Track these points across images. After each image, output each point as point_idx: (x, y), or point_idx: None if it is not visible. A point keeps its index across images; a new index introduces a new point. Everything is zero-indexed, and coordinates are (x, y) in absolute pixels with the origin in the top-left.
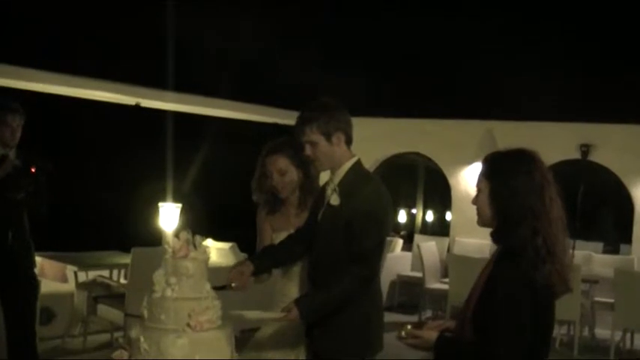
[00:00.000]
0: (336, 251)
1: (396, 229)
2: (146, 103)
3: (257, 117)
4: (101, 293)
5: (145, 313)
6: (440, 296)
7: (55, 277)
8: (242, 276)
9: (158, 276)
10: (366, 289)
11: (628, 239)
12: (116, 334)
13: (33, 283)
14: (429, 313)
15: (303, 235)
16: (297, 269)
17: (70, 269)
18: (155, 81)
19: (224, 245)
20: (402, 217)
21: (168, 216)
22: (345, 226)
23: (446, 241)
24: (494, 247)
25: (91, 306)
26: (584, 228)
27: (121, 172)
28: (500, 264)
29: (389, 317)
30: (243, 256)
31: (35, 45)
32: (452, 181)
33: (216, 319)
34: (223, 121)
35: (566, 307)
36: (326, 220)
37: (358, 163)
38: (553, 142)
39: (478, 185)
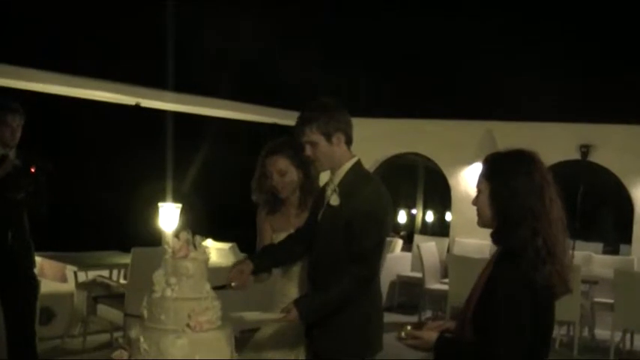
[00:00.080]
0: (336, 251)
1: (396, 229)
2: (146, 103)
3: (257, 117)
4: (101, 293)
5: (145, 313)
6: (440, 297)
7: (54, 277)
8: (242, 275)
9: (158, 276)
10: (365, 290)
11: (628, 240)
12: (116, 334)
13: (33, 283)
14: (428, 314)
15: (303, 235)
16: (296, 269)
17: (69, 269)
18: (155, 81)
19: (224, 245)
20: (401, 217)
21: (168, 216)
22: (345, 227)
23: (446, 241)
24: (494, 248)
25: (90, 306)
26: (584, 228)
27: (121, 172)
28: (501, 265)
29: (389, 317)
30: (242, 256)
31: (35, 45)
32: (452, 182)
33: (216, 320)
34: (223, 121)
35: (566, 308)
36: (326, 220)
37: (358, 164)
38: (553, 142)
39: (478, 186)
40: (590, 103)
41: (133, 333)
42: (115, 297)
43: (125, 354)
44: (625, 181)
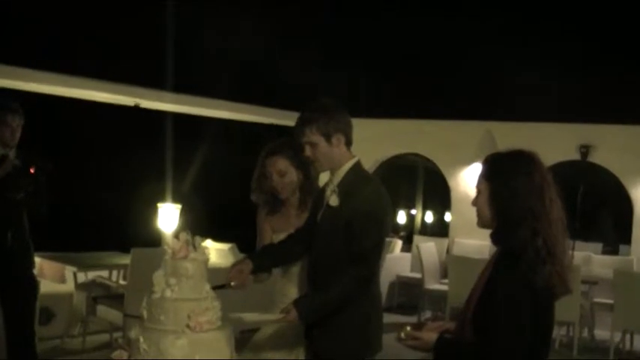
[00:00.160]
0: (336, 252)
1: (396, 230)
2: (145, 103)
3: (256, 118)
4: (100, 294)
5: (145, 313)
6: (439, 297)
7: (54, 277)
8: (241, 274)
9: (158, 277)
10: (365, 290)
11: (627, 240)
12: (115, 335)
13: (32, 283)
14: (428, 314)
15: (303, 235)
16: (296, 270)
17: (69, 270)
18: (154, 82)
19: (223, 246)
20: (401, 217)
21: (168, 217)
22: (345, 227)
23: (445, 242)
24: (494, 248)
25: (90, 306)
26: (583, 229)
27: (120, 172)
28: (500, 265)
29: (388, 318)
30: (242, 256)
31: (35, 45)
32: (451, 182)
33: (215, 320)
34: (222, 122)
35: (565, 308)
36: (325, 220)
37: (358, 164)
38: (552, 142)
39: (478, 186)
40: (590, 103)
41: (133, 333)
42: (115, 297)
43: (125, 354)
44: (625, 182)
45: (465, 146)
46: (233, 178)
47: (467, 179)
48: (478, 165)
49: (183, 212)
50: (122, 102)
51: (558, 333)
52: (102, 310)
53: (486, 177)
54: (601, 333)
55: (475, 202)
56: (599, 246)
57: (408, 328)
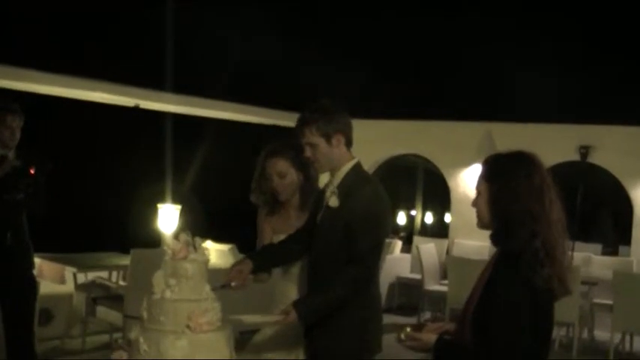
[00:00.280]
0: (335, 252)
1: (396, 230)
2: (145, 104)
3: (256, 118)
4: (100, 294)
5: (145, 314)
6: (439, 298)
7: (53, 278)
8: (241, 274)
9: (158, 277)
10: (364, 290)
11: (627, 241)
12: (115, 336)
13: (32, 284)
14: (428, 315)
15: (303, 236)
16: (296, 270)
17: (68, 270)
18: (154, 82)
19: (223, 247)
20: (401, 218)
21: (168, 217)
22: (344, 228)
23: (445, 242)
24: (494, 249)
25: (89, 307)
26: (583, 230)
27: (120, 173)
28: (500, 266)
29: (388, 319)
30: (242, 257)
31: (35, 46)
32: (451, 183)
33: (215, 321)
34: (222, 123)
35: (565, 309)
36: (325, 221)
37: (358, 165)
38: (552, 143)
39: (477, 187)
40: (590, 104)
41: (133, 334)
42: (114, 298)
43: (125, 355)
44: (624, 183)
45: (465, 147)
46: (233, 178)
47: (467, 180)
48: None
49: (182, 213)
50: (122, 103)
51: (558, 334)
52: (101, 310)
53: (486, 178)
54: (601, 334)
55: (475, 203)
56: (599, 247)
57: (408, 329)
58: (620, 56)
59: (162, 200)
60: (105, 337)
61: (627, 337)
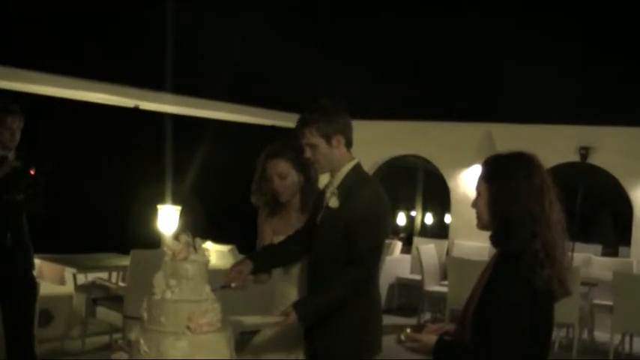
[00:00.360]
0: (335, 253)
1: (395, 231)
2: (145, 105)
3: (256, 119)
4: (100, 295)
5: (145, 315)
6: (439, 299)
7: (53, 279)
8: (241, 275)
9: (158, 278)
10: (364, 291)
11: (627, 242)
12: (115, 336)
13: (32, 284)
14: (428, 316)
15: (303, 236)
16: (296, 271)
17: (68, 271)
18: (154, 83)
19: (223, 248)
20: (401, 219)
21: (167, 218)
22: (344, 228)
23: (445, 243)
24: (494, 250)
25: (89, 308)
26: (583, 230)
27: (120, 174)
28: (500, 267)
29: (388, 320)
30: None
31: (35, 47)
32: (451, 184)
33: (215, 322)
34: (222, 124)
35: (565, 310)
36: (325, 222)
37: (358, 166)
38: (552, 144)
39: (477, 188)
40: (590, 105)
41: (133, 335)
42: (114, 299)
43: (125, 355)
44: (624, 183)
45: (465, 148)
46: (233, 179)
47: (466, 181)
48: (478, 167)
49: (182, 214)
50: (122, 103)
51: (558, 334)
52: (101, 311)
53: (486, 179)
54: (601, 335)
55: (475, 204)
56: (599, 248)
57: (408, 330)
58: (620, 56)
59: (162, 201)
60: (105, 338)
61: (627, 338)
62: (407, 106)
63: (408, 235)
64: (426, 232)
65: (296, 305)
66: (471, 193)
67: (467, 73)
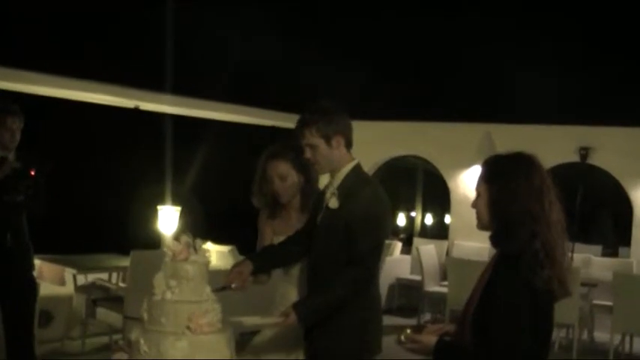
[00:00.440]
0: (335, 254)
1: (395, 232)
2: (145, 105)
3: (256, 120)
4: (100, 296)
5: (145, 315)
6: (439, 299)
7: (53, 279)
8: (241, 276)
9: (158, 279)
10: (364, 291)
11: (627, 242)
12: (115, 337)
13: (32, 285)
14: (428, 317)
15: (302, 237)
16: (296, 272)
17: (68, 272)
18: (154, 84)
19: (223, 248)
20: (401, 220)
21: (167, 219)
22: (344, 229)
23: (445, 244)
24: (493, 251)
25: (89, 309)
26: (583, 231)
27: (120, 174)
28: (500, 268)
29: (388, 320)
30: (242, 258)
31: (35, 48)
32: (451, 184)
33: (216, 322)
34: (222, 124)
35: (565, 310)
36: (325, 223)
37: (358, 167)
38: (552, 144)
39: (477, 189)
40: (590, 105)
41: (134, 335)
42: (114, 300)
43: (125, 355)
44: (624, 184)
45: (465, 148)
46: (232, 180)
47: (466, 181)
48: (477, 167)
49: (182, 214)
50: (122, 104)
51: (558, 335)
52: (101, 312)
53: (486, 179)
54: (600, 335)
55: (474, 205)
56: (599, 248)
57: (408, 331)
58: (620, 56)
59: (162, 202)
60: (105, 339)
61: (627, 339)
62: (407, 107)
63: (407, 236)
64: (426, 232)
65: (296, 306)
66: (471, 193)
67: (467, 73)
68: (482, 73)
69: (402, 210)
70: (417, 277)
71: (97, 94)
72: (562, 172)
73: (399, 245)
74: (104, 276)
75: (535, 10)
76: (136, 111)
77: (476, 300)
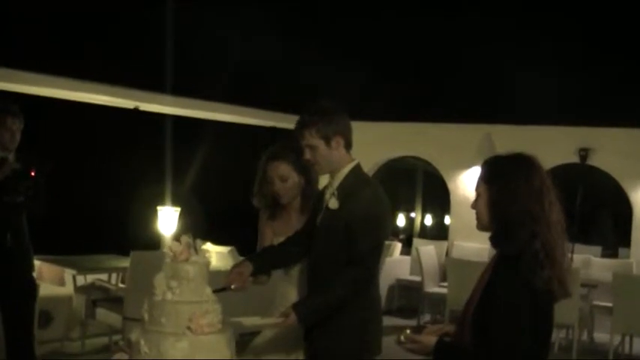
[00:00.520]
0: (335, 254)
1: (395, 232)
2: (145, 106)
3: (255, 120)
4: (99, 297)
5: (146, 316)
6: (439, 300)
7: (53, 280)
8: (241, 276)
9: (159, 279)
10: (364, 291)
11: (627, 243)
12: (114, 338)
13: (31, 286)
14: (427, 317)
15: (302, 237)
16: (296, 272)
17: (68, 272)
18: (154, 84)
19: (223, 249)
20: (400, 220)
21: (167, 219)
22: (344, 229)
23: (445, 244)
24: (493, 251)
25: (89, 309)
26: (582, 232)
27: (120, 175)
28: (499, 268)
29: (388, 321)
30: (241, 259)
31: (34, 47)
32: (451, 185)
33: (216, 323)
34: (222, 125)
35: (564, 311)
36: (325, 223)
37: (358, 167)
38: (552, 145)
39: (477, 189)
40: (590, 105)
41: (134, 336)
42: (114, 300)
43: (125, 356)
44: (624, 185)
45: (465, 149)
46: (232, 180)
47: (466, 182)
48: (477, 168)
49: (182, 215)
50: (122, 105)
51: (557, 336)
52: (101, 313)
53: (485, 180)
54: (600, 336)
55: (474, 205)
56: (599, 249)
57: (408, 332)
58: (620, 56)
59: (162, 202)
60: (104, 340)
61: (627, 339)
62: (407, 107)
63: (407, 237)
64: (426, 233)
65: (296, 306)
66: (471, 194)
67: (467, 73)
68: (482, 73)
69: (402, 211)
70: (417, 278)
71: (97, 94)
72: (562, 173)
73: (398, 246)
74: (104, 277)
75: (535, 10)
76: (136, 111)
77: (476, 300)
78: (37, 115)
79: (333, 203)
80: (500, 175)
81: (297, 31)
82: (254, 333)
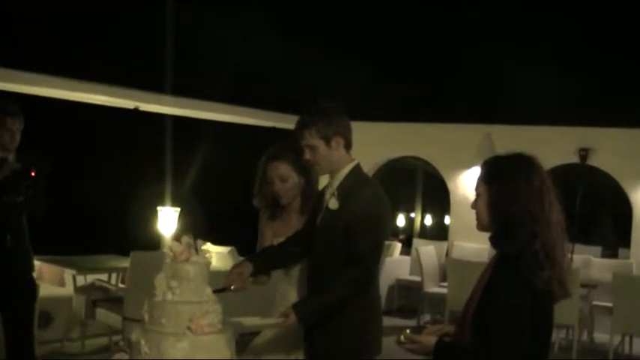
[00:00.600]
0: (335, 254)
1: (395, 233)
2: (145, 106)
3: (255, 121)
4: (99, 297)
5: (146, 316)
6: (439, 300)
7: (53, 280)
8: (241, 277)
9: (159, 279)
10: (364, 291)
11: (627, 243)
12: (114, 338)
13: (31, 286)
14: (427, 317)
15: (302, 238)
16: (296, 273)
17: (68, 273)
18: (154, 85)
19: (223, 249)
20: (400, 221)
21: (167, 220)
22: (344, 229)
23: (445, 245)
24: (493, 252)
25: (89, 310)
26: (582, 232)
27: (119, 175)
28: (499, 268)
29: (388, 321)
30: (241, 259)
31: (34, 48)
32: (450, 185)
33: (216, 323)
34: (222, 125)
35: (564, 311)
36: (325, 223)
37: (357, 167)
38: (552, 146)
39: (477, 189)
40: (589, 106)
41: (134, 336)
42: (114, 301)
43: (126, 356)
44: (624, 185)
45: (465, 149)
46: (232, 180)
47: (466, 182)
48: (477, 168)
49: (182, 215)
50: (122, 105)
51: (557, 336)
52: (101, 313)
53: (485, 180)
54: (600, 336)
55: (474, 206)
56: (599, 249)
57: (408, 332)
58: (620, 56)
59: (162, 202)
60: (104, 340)
61: (627, 339)
62: (407, 108)
63: (407, 237)
64: (426, 233)
65: (295, 306)
66: (471, 194)
67: (467, 73)
68: (482, 73)
69: (402, 211)
70: (417, 278)
71: (97, 94)
72: (562, 173)
73: (398, 246)
74: (104, 277)
75: (535, 10)
76: (136, 112)
77: (475, 301)
78: (36, 115)
79: (333, 203)
80: (500, 175)
81: (297, 31)
82: (254, 333)
